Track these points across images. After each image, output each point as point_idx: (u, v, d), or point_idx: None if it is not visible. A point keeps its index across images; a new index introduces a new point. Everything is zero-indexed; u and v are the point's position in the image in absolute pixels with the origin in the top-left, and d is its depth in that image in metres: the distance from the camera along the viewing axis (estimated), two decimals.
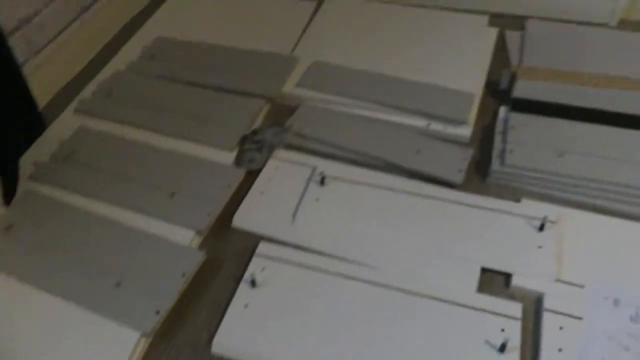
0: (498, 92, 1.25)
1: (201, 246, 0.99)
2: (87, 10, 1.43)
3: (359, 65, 1.32)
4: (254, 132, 1.17)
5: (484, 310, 0.86)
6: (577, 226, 0.97)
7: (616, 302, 0.85)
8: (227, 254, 0.98)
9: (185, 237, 0.98)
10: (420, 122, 1.18)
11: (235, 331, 0.86)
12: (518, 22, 1.46)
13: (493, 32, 1.43)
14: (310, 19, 1.50)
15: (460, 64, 1.32)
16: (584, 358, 0.80)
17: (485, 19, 1.47)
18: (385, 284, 0.90)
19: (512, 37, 1.41)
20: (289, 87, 1.28)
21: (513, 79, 1.23)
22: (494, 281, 0.91)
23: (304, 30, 1.46)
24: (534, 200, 1.03)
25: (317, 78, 1.29)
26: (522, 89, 1.20)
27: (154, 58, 1.40)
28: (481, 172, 1.10)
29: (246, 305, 0.88)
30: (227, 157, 1.13)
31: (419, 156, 1.11)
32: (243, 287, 0.91)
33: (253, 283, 0.90)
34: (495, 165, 1.07)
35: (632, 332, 0.82)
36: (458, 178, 1.07)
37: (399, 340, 0.83)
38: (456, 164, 1.09)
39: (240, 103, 1.25)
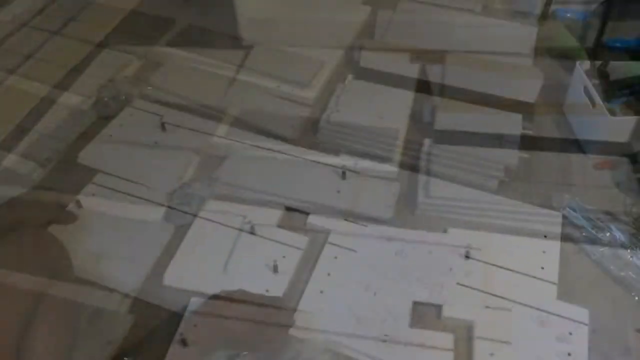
0: (422, 125, 1.28)
1: (131, 308, 0.96)
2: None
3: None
4: (183, 186, 1.16)
5: (417, 345, 0.86)
6: (501, 250, 1.00)
7: (542, 323, 0.87)
8: (159, 315, 0.96)
9: (113, 301, 0.95)
10: (348, 161, 1.20)
11: None
12: (438, 56, 1.51)
13: (414, 67, 1.47)
14: (239, 69, 1.52)
15: (384, 100, 1.36)
16: None
17: (406, 55, 1.52)
18: (321, 329, 0.90)
19: (433, 70, 1.46)
20: (218, 137, 1.29)
21: (434, 111, 1.27)
22: (426, 314, 0.92)
23: (232, 80, 1.48)
24: (461, 228, 1.05)
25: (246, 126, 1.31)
26: (443, 121, 1.24)
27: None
28: (410, 204, 1.12)
29: None
30: (157, 213, 1.11)
31: (348, 195, 1.12)
32: (174, 348, 0.88)
33: (184, 342, 0.88)
34: (420, 197, 1.09)
35: (559, 352, 0.84)
36: (387, 214, 1.08)
37: None
38: (385, 199, 1.11)
39: (170, 157, 1.24)
